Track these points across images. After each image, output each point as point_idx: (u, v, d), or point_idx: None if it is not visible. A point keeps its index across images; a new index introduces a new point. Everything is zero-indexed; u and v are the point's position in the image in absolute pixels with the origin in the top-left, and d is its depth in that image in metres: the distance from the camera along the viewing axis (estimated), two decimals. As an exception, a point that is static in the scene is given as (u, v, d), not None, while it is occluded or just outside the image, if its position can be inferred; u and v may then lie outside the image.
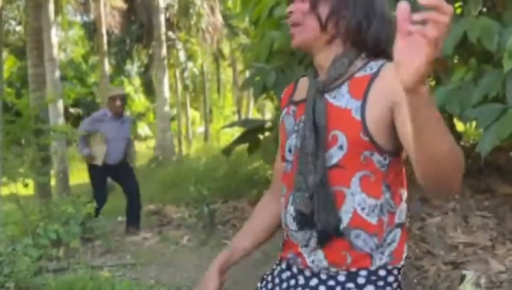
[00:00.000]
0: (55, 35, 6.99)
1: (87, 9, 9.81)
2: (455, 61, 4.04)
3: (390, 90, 1.06)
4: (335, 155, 1.12)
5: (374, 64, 1.14)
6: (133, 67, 19.68)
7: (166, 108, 11.97)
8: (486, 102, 3.47)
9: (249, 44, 17.14)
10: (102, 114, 5.29)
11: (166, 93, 11.87)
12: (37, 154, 4.38)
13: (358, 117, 1.10)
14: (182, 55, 15.62)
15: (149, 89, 18.08)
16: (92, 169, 5.31)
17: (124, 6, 9.23)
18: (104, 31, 8.10)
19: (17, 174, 4.06)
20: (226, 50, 20.21)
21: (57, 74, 6.95)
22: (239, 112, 23.56)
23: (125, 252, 4.70)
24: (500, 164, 6.31)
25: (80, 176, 11.17)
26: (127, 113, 5.33)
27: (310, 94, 1.19)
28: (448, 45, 3.56)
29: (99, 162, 5.14)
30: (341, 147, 1.11)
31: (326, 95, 1.16)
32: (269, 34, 4.94)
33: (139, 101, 21.99)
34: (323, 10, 1.14)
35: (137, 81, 21.73)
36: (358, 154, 1.10)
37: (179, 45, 15.18)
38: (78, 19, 15.25)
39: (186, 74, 16.41)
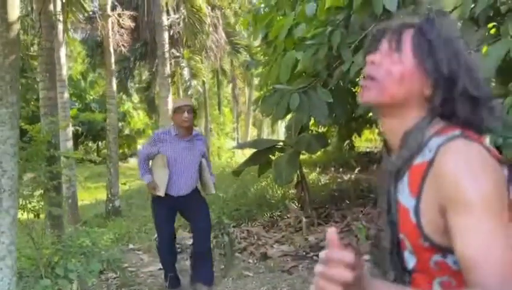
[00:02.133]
0: (64, 55, 6.81)
1: (93, 28, 9.63)
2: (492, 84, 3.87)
3: (440, 186, 0.91)
4: (409, 260, 1.04)
5: (433, 143, 0.97)
6: (132, 84, 19.50)
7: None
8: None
9: (253, 61, 17.13)
10: (165, 132, 4.11)
11: (170, 111, 11.65)
12: (50, 183, 4.13)
13: (414, 220, 0.97)
14: (186, 73, 15.47)
15: (150, 106, 17.89)
16: (154, 201, 4.20)
17: (132, 25, 9.08)
18: (111, 49, 7.92)
19: (29, 205, 3.80)
20: (227, 67, 20.12)
21: (66, 95, 6.76)
22: (237, 129, 23.42)
23: (142, 285, 4.44)
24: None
25: (86, 196, 10.97)
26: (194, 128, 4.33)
27: (383, 180, 1.11)
28: (489, 67, 3.39)
29: (160, 192, 3.96)
30: (410, 253, 1.02)
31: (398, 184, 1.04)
32: (291, 54, 4.77)
33: (138, 118, 21.77)
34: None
35: (135, 98, 21.54)
36: (427, 260, 0.99)
37: (183, 63, 15.04)
38: (77, 35, 15.11)
39: (190, 92, 16.24)
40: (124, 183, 11.82)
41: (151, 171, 4.07)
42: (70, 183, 6.53)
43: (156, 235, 6.12)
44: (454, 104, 0.99)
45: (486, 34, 4.03)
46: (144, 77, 17.34)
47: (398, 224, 1.03)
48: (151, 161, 4.15)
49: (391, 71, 1.01)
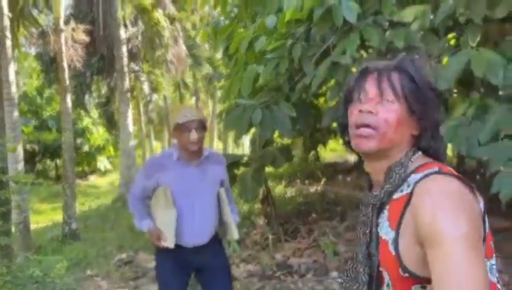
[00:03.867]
0: (13, 72, 6.44)
1: (46, 42, 9.26)
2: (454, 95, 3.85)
3: (417, 222, 0.97)
4: None
5: (412, 180, 1.03)
6: (90, 99, 19.01)
7: (131, 142, 11.43)
8: (497, 140, 3.27)
9: (216, 74, 17.00)
10: (164, 156, 2.87)
11: (131, 127, 11.36)
12: (-4, 211, 3.82)
13: (393, 251, 1.02)
14: (146, 87, 15.16)
15: (110, 122, 17.43)
16: (159, 255, 2.89)
17: (87, 39, 8.77)
18: (65, 65, 7.60)
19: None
20: (189, 80, 19.88)
21: (16, 114, 6.36)
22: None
23: (99, 315, 4.17)
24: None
25: (42, 218, 10.46)
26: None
27: (366, 213, 1.14)
28: (449, 78, 3.35)
29: (168, 242, 2.72)
30: (388, 286, 1.06)
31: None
32: (252, 68, 4.65)
33: (98, 134, 21.18)
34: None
35: (95, 113, 20.99)
36: None
37: (143, 77, 14.73)
38: (31, 50, 14.59)
39: (150, 107, 15.92)
40: (83, 204, 11.37)
41: (149, 213, 2.86)
42: (21, 209, 6.14)
43: (116, 258, 5.87)
44: (433, 139, 1.10)
45: (447, 44, 4.03)
46: (102, 92, 16.91)
47: (378, 257, 1.06)
48: (151, 201, 2.88)
49: (388, 119, 1.06)
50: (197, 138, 2.67)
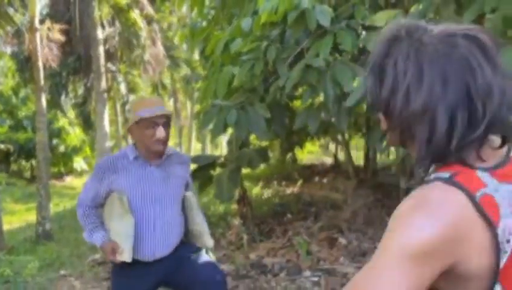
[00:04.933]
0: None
1: (21, 41, 9.12)
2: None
3: None
4: None
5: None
6: (67, 99, 18.78)
7: (107, 143, 11.35)
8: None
9: (192, 75, 16.99)
10: (119, 156, 2.48)
11: (107, 127, 11.28)
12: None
13: None
14: (123, 88, 15.05)
15: (86, 122, 17.23)
16: (115, 273, 2.53)
17: (62, 38, 8.69)
18: (40, 64, 7.52)
19: None
20: (167, 81, 19.81)
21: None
22: (180, 144, 23.10)
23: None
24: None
25: (16, 219, 10.29)
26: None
27: None
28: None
29: (125, 256, 2.33)
30: None
31: None
32: (227, 69, 4.70)
33: (75, 134, 20.90)
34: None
35: (71, 114, 20.71)
36: None
37: (120, 77, 14.62)
38: (6, 49, 14.34)
39: (127, 107, 15.80)
40: (57, 204, 11.22)
41: (102, 224, 2.45)
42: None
43: (89, 258, 5.85)
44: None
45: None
46: (79, 92, 16.73)
47: None
48: (104, 209, 2.49)
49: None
50: (165, 136, 2.36)
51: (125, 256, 2.31)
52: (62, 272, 5.36)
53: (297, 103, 6.79)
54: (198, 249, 2.60)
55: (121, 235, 2.34)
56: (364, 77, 1.00)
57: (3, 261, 4.14)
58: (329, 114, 4.15)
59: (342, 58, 4.21)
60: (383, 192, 7.88)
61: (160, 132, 2.33)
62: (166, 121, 2.39)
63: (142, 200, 2.38)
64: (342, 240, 5.09)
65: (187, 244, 2.61)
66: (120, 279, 2.47)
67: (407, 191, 1.13)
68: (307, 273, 4.44)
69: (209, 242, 2.62)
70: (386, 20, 4.11)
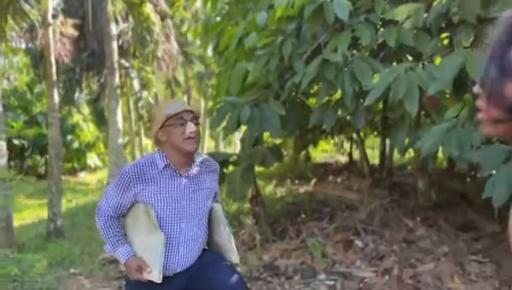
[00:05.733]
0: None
1: (33, 37, 9.09)
2: (446, 96, 3.78)
3: None
4: None
5: None
6: (81, 96, 18.83)
7: (120, 140, 11.29)
8: (490, 143, 3.21)
9: (205, 72, 16.90)
10: (146, 163, 2.19)
11: (120, 124, 11.22)
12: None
13: None
14: (136, 84, 14.99)
15: (100, 119, 17.24)
16: (130, 285, 2.27)
17: (75, 33, 8.61)
18: (53, 59, 7.45)
19: None
20: (181, 78, 19.73)
21: (0, 109, 6.21)
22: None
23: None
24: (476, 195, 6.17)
25: (28, 214, 10.30)
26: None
27: None
28: (446, 79, 3.28)
29: (154, 275, 2.13)
30: None
31: None
32: (241, 65, 4.56)
33: (88, 131, 20.95)
34: None
35: (86, 110, 20.77)
36: None
37: (133, 73, 14.56)
38: (23, 45, 14.39)
39: (140, 104, 15.75)
40: (70, 200, 11.21)
41: (125, 237, 2.25)
42: (3, 206, 5.98)
43: (100, 256, 5.76)
44: None
45: (439, 44, 3.97)
46: (95, 88, 16.74)
47: None
48: (126, 220, 2.27)
49: None
50: (196, 132, 2.11)
51: (155, 276, 2.11)
52: (72, 270, 5.28)
53: (311, 100, 6.64)
54: (221, 257, 2.39)
55: (150, 252, 2.13)
56: (485, 66, 0.93)
57: (11, 259, 4.06)
58: (346, 112, 3.98)
59: (360, 54, 4.05)
60: (399, 192, 7.69)
61: (189, 127, 2.10)
62: (194, 116, 2.17)
63: (168, 214, 2.17)
64: (358, 243, 4.92)
65: (210, 251, 2.42)
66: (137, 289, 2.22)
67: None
68: (322, 276, 4.29)
69: (234, 259, 2.39)
70: (406, 15, 3.94)
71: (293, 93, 4.58)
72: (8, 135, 16.63)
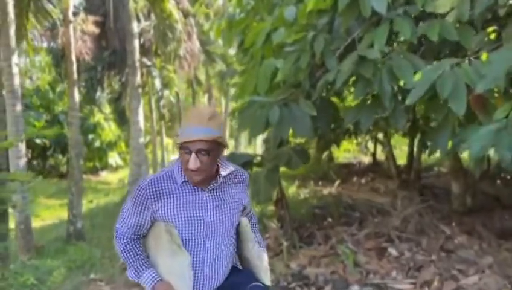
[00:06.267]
0: (16, 64, 6.15)
1: (54, 35, 8.99)
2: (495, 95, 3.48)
3: None
4: None
5: None
6: (103, 95, 18.83)
7: (141, 139, 11.14)
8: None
9: (229, 70, 16.67)
10: (165, 178, 1.97)
11: (141, 123, 11.08)
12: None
13: None
14: (157, 83, 14.87)
15: (121, 118, 17.19)
16: None
17: (96, 30, 8.47)
18: (73, 58, 7.31)
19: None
20: (202, 77, 19.58)
21: (19, 107, 6.08)
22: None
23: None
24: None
25: (49, 215, 10.22)
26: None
27: None
28: (496, 76, 2.98)
29: None
30: None
31: None
32: (269, 62, 4.31)
33: (110, 130, 20.98)
34: None
35: (107, 109, 20.79)
36: None
37: (155, 72, 14.43)
38: (45, 44, 14.41)
39: (162, 103, 15.61)
40: (91, 201, 11.11)
41: (148, 259, 2.03)
42: (21, 208, 5.84)
43: (121, 261, 5.59)
44: None
45: (486, 38, 3.66)
46: (116, 87, 16.68)
47: None
48: (148, 241, 2.06)
49: None
50: (196, 167, 1.85)
51: None
52: (92, 275, 5.12)
53: (335, 99, 6.35)
54: (253, 276, 2.12)
55: (177, 276, 1.94)
56: None
57: (28, 267, 3.88)
58: (384, 111, 3.70)
59: (400, 49, 3.77)
60: (430, 195, 7.37)
61: (192, 162, 1.84)
62: (204, 148, 1.85)
63: (191, 232, 1.95)
64: (392, 251, 4.64)
65: (242, 270, 2.18)
66: None
67: None
68: (355, 287, 4.02)
69: (266, 280, 2.14)
70: (450, 7, 3.64)
71: (325, 92, 4.31)
72: (29, 135, 16.72)
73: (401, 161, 10.78)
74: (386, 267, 4.30)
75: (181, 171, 1.94)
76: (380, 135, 11.05)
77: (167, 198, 1.92)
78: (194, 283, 1.95)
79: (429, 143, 4.26)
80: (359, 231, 5.35)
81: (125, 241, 2.01)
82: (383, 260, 4.51)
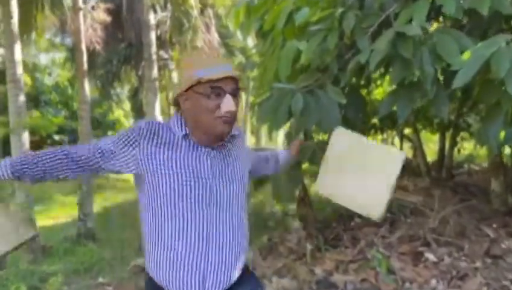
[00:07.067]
0: (19, 52, 5.83)
1: (63, 21, 8.66)
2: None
3: None
4: None
5: None
6: (123, 91, 18.61)
7: (158, 135, 10.81)
8: None
9: (246, 63, 16.25)
10: (161, 126, 1.55)
11: (159, 118, 10.74)
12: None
13: None
14: (175, 77, 14.53)
15: (139, 113, 16.93)
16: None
17: (108, 18, 8.12)
18: (83, 47, 6.96)
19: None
20: (221, 70, 19.16)
21: (22, 98, 5.75)
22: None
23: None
24: None
25: (63, 212, 9.94)
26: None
27: None
28: None
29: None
30: None
31: None
32: (291, 44, 3.84)
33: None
34: None
35: (127, 106, 20.60)
36: None
37: (172, 65, 14.09)
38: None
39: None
40: (106, 199, 10.81)
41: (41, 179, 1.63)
42: (23, 207, 5.51)
43: (132, 263, 5.21)
44: None
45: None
46: (135, 83, 16.43)
47: None
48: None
49: None
50: (234, 111, 1.48)
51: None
52: (100, 279, 4.75)
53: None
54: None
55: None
56: None
57: (22, 272, 3.52)
58: (425, 97, 3.21)
59: (444, 26, 3.27)
60: (465, 194, 6.82)
61: (228, 104, 1.46)
62: (235, 88, 1.51)
63: (191, 199, 1.49)
64: (430, 256, 4.14)
65: (251, 276, 1.74)
66: None
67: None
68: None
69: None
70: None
71: (354, 78, 3.83)
72: (49, 130, 16.62)
73: (429, 158, 10.22)
74: (424, 274, 3.81)
75: (180, 124, 1.55)
76: (407, 131, 10.52)
77: (164, 146, 1.51)
78: (193, 274, 1.49)
79: (475, 135, 3.75)
80: (390, 233, 4.86)
81: (66, 151, 1.58)
82: (419, 266, 4.02)
